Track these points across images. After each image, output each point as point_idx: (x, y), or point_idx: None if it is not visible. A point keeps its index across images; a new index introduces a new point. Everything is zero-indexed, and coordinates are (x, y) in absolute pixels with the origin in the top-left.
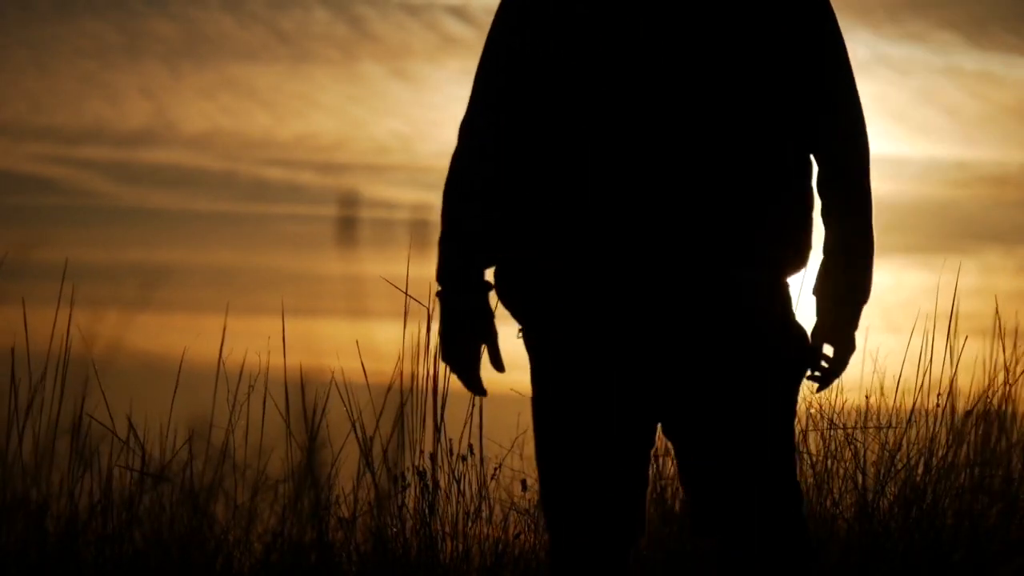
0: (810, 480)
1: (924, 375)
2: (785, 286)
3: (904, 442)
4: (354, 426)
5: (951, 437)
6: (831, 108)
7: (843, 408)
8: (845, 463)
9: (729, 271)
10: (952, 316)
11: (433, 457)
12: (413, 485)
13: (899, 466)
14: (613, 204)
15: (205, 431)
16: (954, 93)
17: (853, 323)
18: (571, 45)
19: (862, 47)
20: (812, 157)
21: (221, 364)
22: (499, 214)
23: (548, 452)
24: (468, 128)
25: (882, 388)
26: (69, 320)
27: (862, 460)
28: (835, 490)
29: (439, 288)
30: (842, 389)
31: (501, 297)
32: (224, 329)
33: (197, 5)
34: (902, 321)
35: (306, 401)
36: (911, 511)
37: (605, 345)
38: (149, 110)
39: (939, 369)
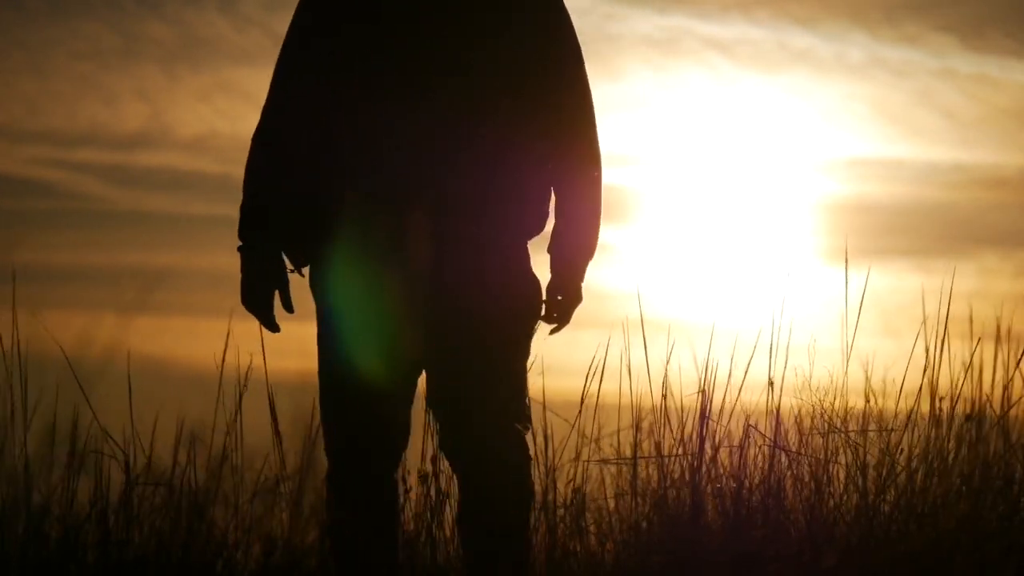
0: (810, 483)
1: (924, 378)
2: (524, 246)
3: (904, 445)
4: None
5: (951, 440)
6: (565, 94)
7: (843, 411)
8: (846, 466)
9: (478, 233)
10: (968, 319)
11: (435, 461)
12: (415, 489)
13: (899, 469)
14: (388, 171)
15: (204, 434)
16: (951, 96)
17: (579, 277)
18: (360, 33)
19: (859, 50)
20: (551, 137)
21: (220, 367)
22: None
23: (326, 374)
24: (270, 111)
25: (882, 391)
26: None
27: (862, 463)
28: (836, 493)
29: (240, 243)
30: (843, 392)
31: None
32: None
33: (193, 8)
34: (900, 324)
35: (306, 405)
36: (911, 514)
37: (377, 289)
38: (145, 113)
39: (939, 372)
